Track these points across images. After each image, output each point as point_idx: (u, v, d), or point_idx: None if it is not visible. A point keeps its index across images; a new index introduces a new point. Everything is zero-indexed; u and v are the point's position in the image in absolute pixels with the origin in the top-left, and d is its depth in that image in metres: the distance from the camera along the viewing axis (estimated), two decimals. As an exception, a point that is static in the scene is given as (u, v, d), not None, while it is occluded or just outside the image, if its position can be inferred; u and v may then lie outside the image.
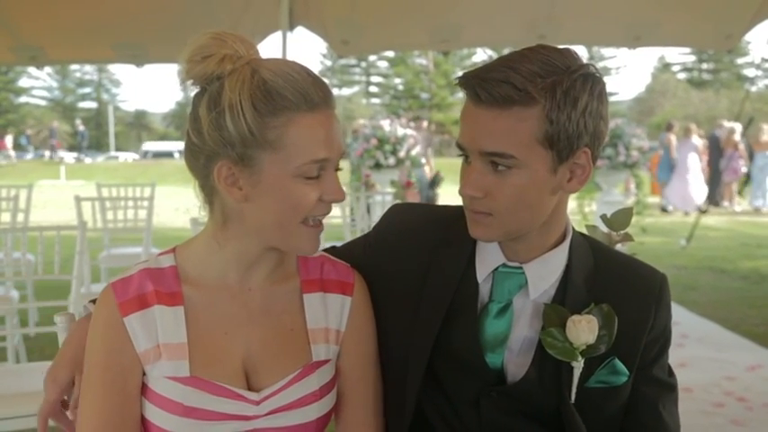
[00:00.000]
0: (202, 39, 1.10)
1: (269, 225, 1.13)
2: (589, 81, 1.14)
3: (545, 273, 1.25)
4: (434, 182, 10.47)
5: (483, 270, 1.27)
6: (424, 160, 10.58)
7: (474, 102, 1.14)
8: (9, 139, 38.61)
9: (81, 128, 34.31)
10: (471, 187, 1.16)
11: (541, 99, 1.10)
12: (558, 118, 1.12)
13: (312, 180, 1.11)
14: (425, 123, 10.95)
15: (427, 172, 10.76)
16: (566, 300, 1.24)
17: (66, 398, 1.23)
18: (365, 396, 1.29)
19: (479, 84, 1.12)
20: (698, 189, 13.30)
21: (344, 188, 1.18)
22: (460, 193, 1.20)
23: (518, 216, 1.18)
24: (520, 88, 1.10)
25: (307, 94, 1.08)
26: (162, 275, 1.18)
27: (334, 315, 1.26)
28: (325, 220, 1.19)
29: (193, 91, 1.14)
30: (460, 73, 1.17)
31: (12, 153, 37.25)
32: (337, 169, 1.16)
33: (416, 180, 10.51)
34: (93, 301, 1.25)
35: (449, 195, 11.08)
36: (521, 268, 1.25)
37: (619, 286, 1.27)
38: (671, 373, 1.33)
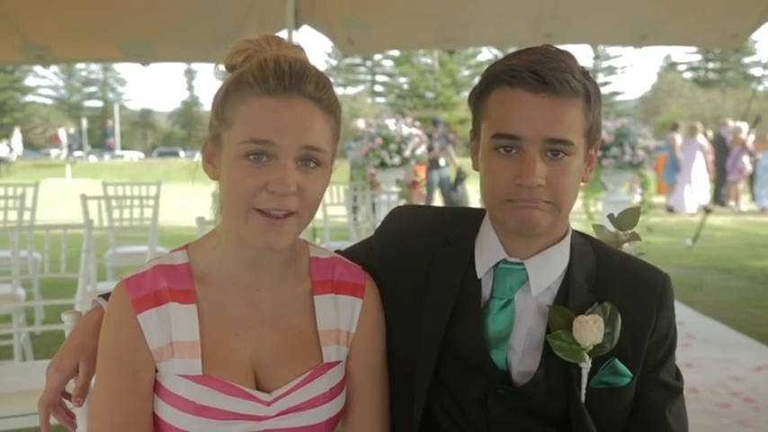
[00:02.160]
0: (252, 38, 1.17)
1: (225, 208, 1.15)
2: None
3: (546, 269, 1.26)
4: (459, 179, 10.44)
5: (483, 266, 1.28)
6: (443, 162, 10.57)
7: (532, 91, 1.15)
8: (63, 133, 37.54)
9: (72, 131, 32.43)
10: (537, 176, 1.16)
11: (587, 92, 1.18)
12: (594, 111, 1.20)
13: (257, 165, 1.09)
14: (442, 127, 10.93)
15: (449, 172, 10.76)
16: (569, 299, 1.24)
17: (67, 390, 1.23)
18: (372, 397, 1.29)
19: (548, 72, 1.15)
20: (702, 189, 13.26)
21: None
22: (520, 183, 1.16)
23: (569, 203, 1.22)
24: (578, 79, 1.17)
25: (266, 79, 1.10)
26: (175, 272, 1.18)
27: (345, 317, 1.25)
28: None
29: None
30: (498, 65, 1.21)
31: (65, 148, 36.50)
32: (314, 164, 1.12)
33: (439, 182, 10.51)
34: (102, 296, 1.26)
35: (473, 194, 11.04)
36: (522, 264, 1.26)
37: (621, 286, 1.27)
38: (678, 376, 1.32)
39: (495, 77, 1.19)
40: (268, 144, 1.08)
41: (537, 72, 1.14)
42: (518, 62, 1.17)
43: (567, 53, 1.20)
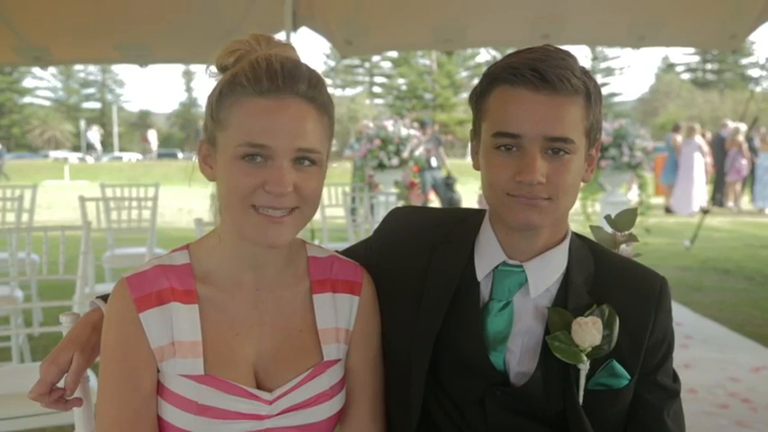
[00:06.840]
0: (242, 38, 1.17)
1: (224, 207, 1.15)
2: None
3: (545, 272, 1.26)
4: (450, 183, 10.51)
5: (483, 268, 1.28)
6: (435, 163, 10.59)
7: (532, 89, 1.16)
8: (153, 135, 33.06)
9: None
10: (538, 173, 1.16)
11: (587, 91, 1.19)
12: (594, 110, 1.20)
13: (254, 165, 1.09)
14: (431, 128, 10.95)
15: (443, 174, 10.79)
16: (568, 301, 1.24)
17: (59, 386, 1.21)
18: (369, 393, 1.30)
19: (549, 69, 1.15)
20: (701, 189, 13.27)
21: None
22: (520, 180, 1.16)
23: (569, 201, 1.22)
24: (578, 77, 1.17)
25: (259, 79, 1.10)
26: (177, 272, 1.18)
27: (344, 315, 1.26)
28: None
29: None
30: (502, 63, 1.20)
31: (154, 149, 32.58)
32: (310, 163, 1.12)
33: (432, 183, 10.55)
34: (100, 297, 1.26)
35: (467, 194, 11.06)
36: (521, 266, 1.26)
37: (619, 289, 1.27)
38: (676, 378, 1.32)
39: (496, 76, 1.19)
40: (264, 147, 1.09)
41: (537, 70, 1.14)
42: (518, 60, 1.17)
43: (566, 52, 1.20)
